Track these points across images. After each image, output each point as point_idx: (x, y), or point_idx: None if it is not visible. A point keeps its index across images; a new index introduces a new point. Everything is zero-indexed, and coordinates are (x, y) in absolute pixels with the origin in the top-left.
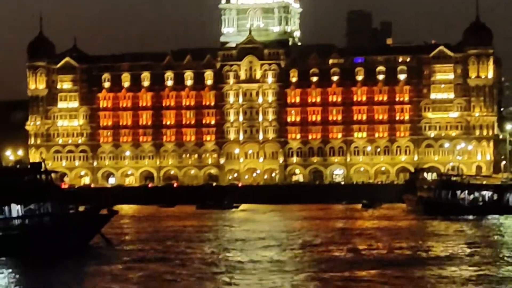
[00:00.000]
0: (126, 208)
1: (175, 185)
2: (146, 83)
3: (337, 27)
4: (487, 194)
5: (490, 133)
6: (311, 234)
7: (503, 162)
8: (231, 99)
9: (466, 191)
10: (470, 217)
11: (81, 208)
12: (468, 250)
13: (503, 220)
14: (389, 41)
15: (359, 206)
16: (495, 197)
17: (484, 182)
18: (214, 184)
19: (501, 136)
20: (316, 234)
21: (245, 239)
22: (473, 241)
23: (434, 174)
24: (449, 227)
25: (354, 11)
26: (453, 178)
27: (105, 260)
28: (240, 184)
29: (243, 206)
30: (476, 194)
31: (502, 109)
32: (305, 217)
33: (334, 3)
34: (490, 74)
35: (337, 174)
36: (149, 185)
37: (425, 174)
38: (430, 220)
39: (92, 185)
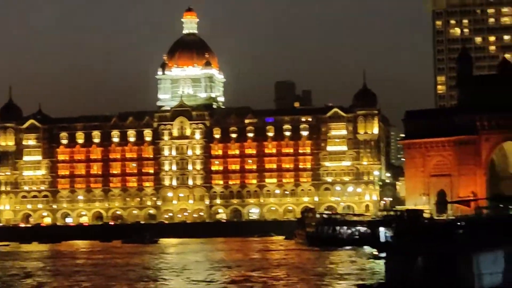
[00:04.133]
0: (78, 243)
1: (111, 223)
2: (96, 140)
3: (266, 94)
4: (361, 229)
5: (376, 178)
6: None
7: (383, 202)
8: (166, 152)
9: (345, 227)
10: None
11: None
12: None
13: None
14: (296, 104)
15: (279, 238)
16: (369, 231)
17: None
18: (142, 222)
19: (387, 181)
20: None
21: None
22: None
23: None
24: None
25: (281, 81)
26: (333, 216)
27: None
28: (166, 222)
29: (173, 240)
30: (353, 229)
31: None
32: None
33: (256, 73)
34: (376, 130)
35: (253, 212)
36: (84, 224)
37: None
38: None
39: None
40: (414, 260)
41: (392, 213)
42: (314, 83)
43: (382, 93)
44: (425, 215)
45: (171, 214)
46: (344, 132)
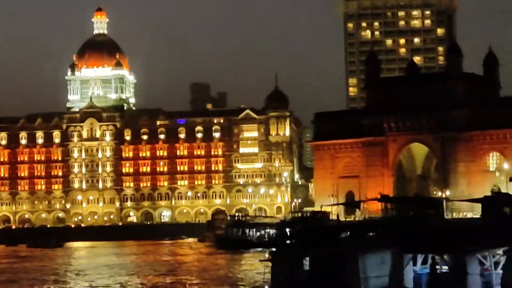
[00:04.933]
0: None
1: (13, 227)
2: (3, 142)
3: (182, 96)
4: (271, 231)
5: (287, 180)
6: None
7: (293, 204)
8: (75, 154)
9: (254, 229)
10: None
11: None
12: None
13: None
14: (208, 106)
15: (192, 240)
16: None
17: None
18: (49, 225)
19: (299, 183)
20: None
21: None
22: None
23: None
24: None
25: (196, 83)
26: (242, 218)
27: None
28: (73, 226)
29: (82, 244)
30: (262, 231)
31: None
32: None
33: (172, 75)
34: (287, 132)
35: (165, 215)
36: None
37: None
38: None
39: None
40: (300, 262)
41: (299, 214)
42: (229, 85)
43: (295, 95)
44: (333, 216)
45: (80, 217)
46: (256, 134)
